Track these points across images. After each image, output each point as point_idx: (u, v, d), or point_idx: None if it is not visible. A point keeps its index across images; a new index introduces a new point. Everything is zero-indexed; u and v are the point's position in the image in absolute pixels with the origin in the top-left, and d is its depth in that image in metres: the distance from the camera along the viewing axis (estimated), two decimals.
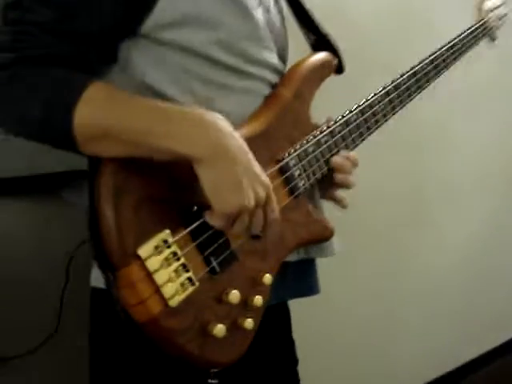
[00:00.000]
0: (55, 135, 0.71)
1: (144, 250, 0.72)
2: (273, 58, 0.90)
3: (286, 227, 0.87)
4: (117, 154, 0.72)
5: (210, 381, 0.81)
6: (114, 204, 0.71)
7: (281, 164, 0.86)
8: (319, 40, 1.00)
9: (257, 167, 0.75)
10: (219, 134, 0.72)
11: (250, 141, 0.78)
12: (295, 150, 0.88)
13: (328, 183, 0.95)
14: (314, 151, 0.90)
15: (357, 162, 0.96)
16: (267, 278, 0.83)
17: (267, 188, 0.75)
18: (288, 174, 0.87)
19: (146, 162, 0.73)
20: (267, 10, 0.91)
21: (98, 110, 0.70)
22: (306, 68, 0.95)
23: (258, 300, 0.82)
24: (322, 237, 0.94)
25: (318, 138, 0.91)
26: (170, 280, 0.73)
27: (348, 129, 0.95)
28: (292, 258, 0.92)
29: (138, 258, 0.71)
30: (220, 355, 0.79)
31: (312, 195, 0.95)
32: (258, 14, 0.86)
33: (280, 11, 0.96)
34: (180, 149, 0.70)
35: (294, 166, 0.88)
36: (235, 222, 0.74)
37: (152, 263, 0.72)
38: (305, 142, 0.90)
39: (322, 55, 0.97)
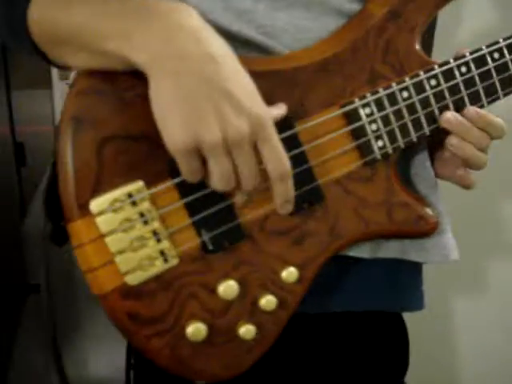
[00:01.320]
0: (15, 34, 0.57)
1: (97, 204, 0.53)
2: None
3: (346, 204, 0.59)
4: (79, 63, 0.54)
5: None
6: (71, 136, 0.54)
7: (345, 109, 0.58)
8: None
9: (244, 89, 0.49)
10: (175, 33, 0.48)
11: (307, 68, 0.56)
12: (374, 93, 0.59)
13: (440, 153, 0.64)
14: (407, 99, 0.60)
15: (495, 126, 0.62)
16: (290, 274, 0.57)
17: (258, 120, 0.49)
18: (356, 125, 0.59)
19: (126, 85, 0.54)
20: None
21: (47, 6, 0.53)
22: None
23: (269, 302, 0.57)
24: (413, 230, 0.63)
25: (419, 79, 0.60)
26: (129, 249, 0.53)
27: (480, 71, 0.62)
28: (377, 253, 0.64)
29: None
30: (201, 364, 0.56)
31: (409, 166, 0.65)
32: None
33: None
34: (124, 53, 0.48)
35: (369, 116, 0.59)
36: (208, 171, 0.50)
37: (105, 222, 0.53)
38: (394, 83, 0.59)
39: None
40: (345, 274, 0.64)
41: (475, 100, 0.62)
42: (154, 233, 0.54)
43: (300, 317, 0.59)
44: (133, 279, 0.53)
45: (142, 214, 0.53)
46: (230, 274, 0.56)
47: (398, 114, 0.59)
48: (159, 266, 0.54)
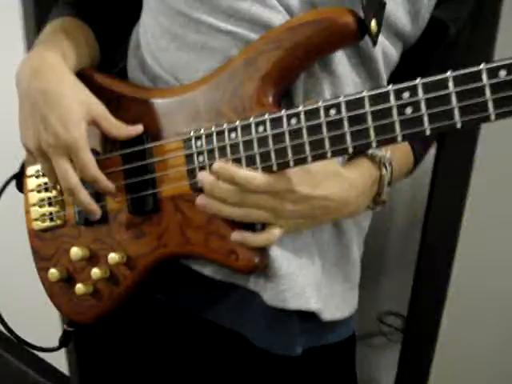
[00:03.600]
0: None
1: (29, 170, 0.80)
2: (258, 10, 0.65)
3: (175, 220, 0.69)
4: None
5: (65, 326, 0.80)
6: None
7: (184, 137, 0.67)
8: None
9: (58, 117, 0.65)
10: (26, 70, 0.69)
11: (174, 101, 0.69)
12: (207, 129, 0.65)
13: None
14: (233, 139, 0.63)
15: (241, 179, 0.61)
16: (122, 259, 0.71)
17: (64, 141, 0.65)
18: (187, 153, 0.67)
19: None
20: None
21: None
22: (287, 25, 0.63)
23: (95, 273, 0.73)
24: (222, 261, 0.66)
25: (247, 123, 0.63)
26: (37, 205, 0.78)
27: (309, 124, 0.59)
28: (213, 273, 0.71)
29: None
30: (59, 302, 0.78)
31: None
32: None
33: None
34: None
35: (198, 148, 0.66)
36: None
37: (30, 183, 0.79)
38: (225, 124, 0.64)
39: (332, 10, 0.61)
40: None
41: (298, 153, 0.60)
42: (49, 198, 0.77)
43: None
44: (36, 226, 0.79)
45: (45, 183, 0.78)
46: (87, 244, 0.75)
47: (223, 151, 0.64)
48: (48, 223, 0.77)
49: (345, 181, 0.67)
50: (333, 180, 0.65)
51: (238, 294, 0.72)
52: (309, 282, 0.70)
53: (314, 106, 0.59)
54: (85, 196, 0.67)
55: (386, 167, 0.72)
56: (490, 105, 0.50)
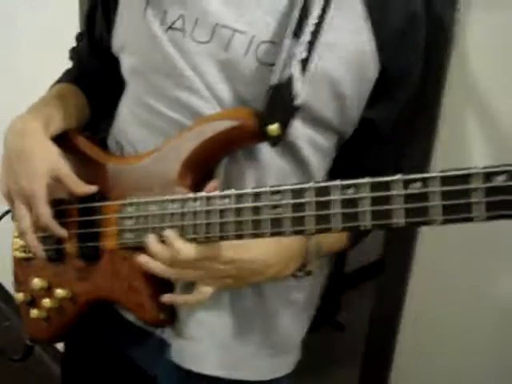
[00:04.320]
0: None
1: None
2: (194, 101, 0.77)
3: (108, 268, 0.82)
4: None
5: (27, 342, 0.95)
6: None
7: (120, 202, 0.80)
8: None
9: (24, 174, 0.80)
10: (13, 131, 0.84)
11: (120, 170, 0.83)
12: (137, 198, 0.78)
13: None
14: (152, 211, 0.75)
15: (183, 258, 0.71)
16: (67, 294, 0.85)
17: (26, 191, 0.79)
18: (120, 215, 0.79)
19: None
20: (225, 48, 0.77)
21: None
22: (206, 120, 0.74)
23: (47, 302, 0.87)
24: (133, 311, 0.79)
25: (162, 199, 0.75)
26: (18, 237, 0.94)
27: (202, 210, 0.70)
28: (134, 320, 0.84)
29: None
30: (24, 320, 0.93)
31: None
32: (181, 47, 0.77)
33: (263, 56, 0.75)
34: None
35: (128, 213, 0.78)
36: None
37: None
38: (149, 198, 0.76)
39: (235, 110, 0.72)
40: None
41: (224, 231, 0.69)
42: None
43: None
44: (16, 255, 0.95)
45: None
46: (47, 277, 0.89)
47: (145, 220, 0.76)
48: (24, 254, 0.93)
49: (271, 247, 0.76)
50: (259, 246, 0.75)
51: (155, 340, 0.83)
52: (215, 347, 0.81)
53: (259, 190, 0.67)
54: (31, 239, 0.82)
55: (312, 240, 0.80)
56: (401, 213, 0.57)
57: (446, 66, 0.94)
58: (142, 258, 0.74)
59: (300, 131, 0.77)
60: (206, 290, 0.75)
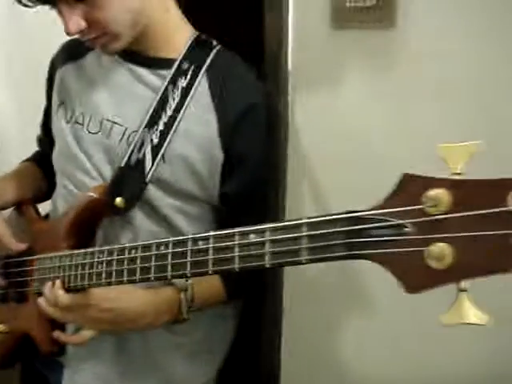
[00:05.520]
0: None
1: None
2: (86, 180, 1.00)
3: (31, 308, 1.03)
4: None
5: None
6: None
7: (35, 257, 1.02)
8: None
9: None
10: None
11: (42, 232, 1.07)
12: (46, 254, 1.00)
13: None
14: (48, 264, 0.97)
15: (59, 304, 0.89)
16: (4, 328, 1.08)
17: None
18: (35, 268, 1.02)
19: None
20: (107, 137, 0.99)
21: None
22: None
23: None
24: (38, 342, 0.99)
25: (57, 255, 0.95)
26: None
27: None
28: None
29: None
30: None
31: None
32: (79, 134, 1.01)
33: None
34: None
35: (40, 265, 1.00)
36: None
37: None
38: (47, 254, 0.98)
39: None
40: None
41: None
42: None
43: None
44: None
45: None
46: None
47: (51, 270, 0.97)
48: None
49: (142, 298, 0.95)
50: (134, 297, 0.94)
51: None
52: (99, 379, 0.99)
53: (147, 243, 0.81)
54: None
55: (184, 292, 0.98)
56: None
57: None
58: (39, 301, 0.95)
59: (165, 201, 0.97)
60: (86, 334, 0.94)
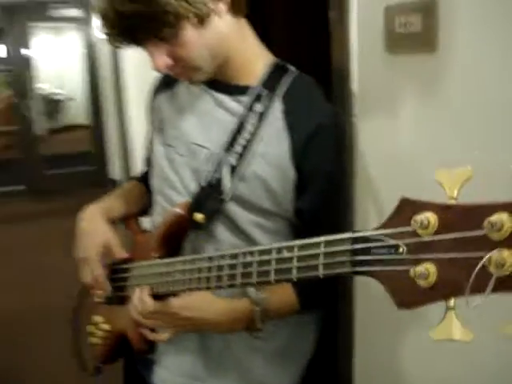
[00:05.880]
0: None
1: None
2: (178, 198, 1.11)
3: (124, 313, 1.17)
4: None
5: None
6: None
7: (130, 265, 1.17)
8: None
9: (86, 246, 1.19)
10: (85, 215, 1.24)
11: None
12: (133, 264, 1.14)
13: None
14: (139, 272, 1.10)
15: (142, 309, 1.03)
16: (106, 326, 1.23)
17: (84, 255, 1.19)
18: (129, 275, 1.16)
19: None
20: (194, 158, 1.10)
21: None
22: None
23: (99, 333, 1.26)
24: (132, 341, 1.12)
25: (149, 263, 1.08)
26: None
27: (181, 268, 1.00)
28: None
29: None
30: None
31: None
32: (171, 157, 1.13)
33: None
34: None
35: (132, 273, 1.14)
36: None
37: None
38: (141, 262, 1.12)
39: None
40: None
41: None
42: None
43: None
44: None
45: None
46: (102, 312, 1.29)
47: (135, 279, 1.11)
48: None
49: (220, 309, 1.05)
50: (210, 307, 1.05)
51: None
52: (185, 377, 1.11)
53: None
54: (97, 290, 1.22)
55: (258, 305, 1.06)
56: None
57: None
58: (130, 306, 1.09)
59: (244, 216, 1.06)
60: (166, 335, 1.06)
